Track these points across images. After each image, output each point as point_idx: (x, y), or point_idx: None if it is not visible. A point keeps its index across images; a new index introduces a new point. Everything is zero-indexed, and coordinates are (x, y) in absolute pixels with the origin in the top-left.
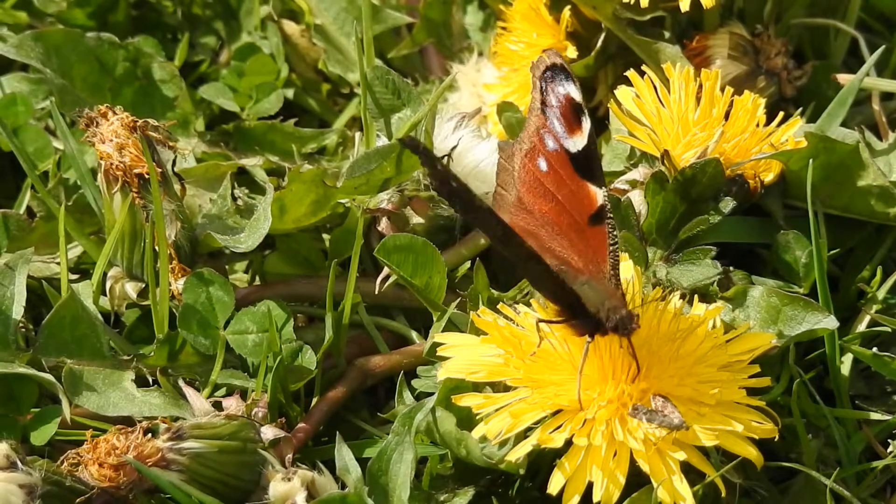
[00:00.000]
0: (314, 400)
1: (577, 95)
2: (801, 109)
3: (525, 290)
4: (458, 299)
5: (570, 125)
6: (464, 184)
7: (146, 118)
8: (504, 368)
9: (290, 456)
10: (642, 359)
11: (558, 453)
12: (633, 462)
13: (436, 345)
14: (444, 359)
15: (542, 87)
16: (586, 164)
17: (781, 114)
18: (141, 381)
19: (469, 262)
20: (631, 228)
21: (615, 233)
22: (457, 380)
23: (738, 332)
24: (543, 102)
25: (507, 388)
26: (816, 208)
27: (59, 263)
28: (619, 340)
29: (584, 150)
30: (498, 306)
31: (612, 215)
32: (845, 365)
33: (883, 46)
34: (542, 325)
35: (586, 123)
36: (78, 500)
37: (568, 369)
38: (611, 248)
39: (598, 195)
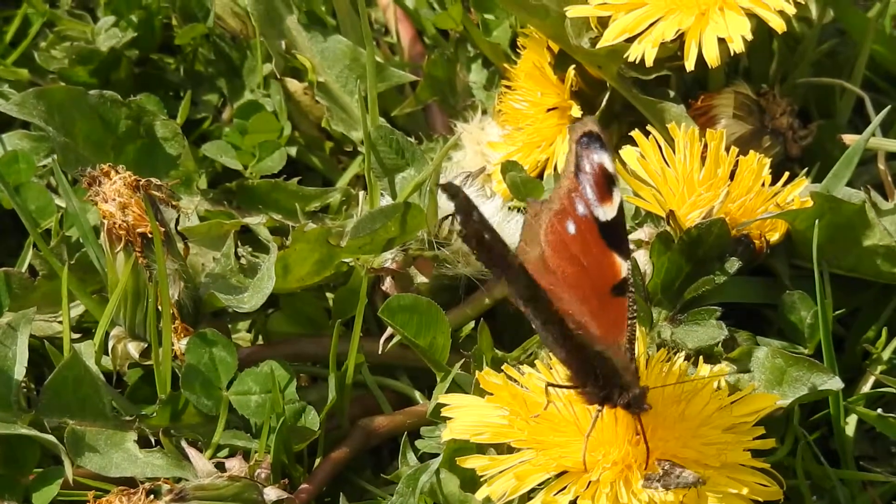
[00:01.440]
0: (317, 460)
1: (609, 166)
2: (806, 169)
3: (529, 350)
4: (463, 360)
5: (601, 194)
6: (499, 237)
7: (149, 177)
8: (508, 430)
9: None
10: (647, 420)
11: None
12: None
13: (440, 405)
14: (448, 419)
15: (577, 152)
16: (614, 235)
17: (787, 173)
18: (143, 442)
19: (473, 322)
20: (636, 289)
21: (635, 306)
22: (461, 441)
23: (743, 394)
24: (578, 167)
25: (511, 450)
26: (822, 268)
27: (61, 322)
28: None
29: (613, 220)
30: (502, 367)
31: (633, 289)
32: (850, 426)
33: (889, 106)
34: (550, 388)
35: (617, 195)
36: None
37: (572, 431)
38: (629, 320)
39: (623, 267)
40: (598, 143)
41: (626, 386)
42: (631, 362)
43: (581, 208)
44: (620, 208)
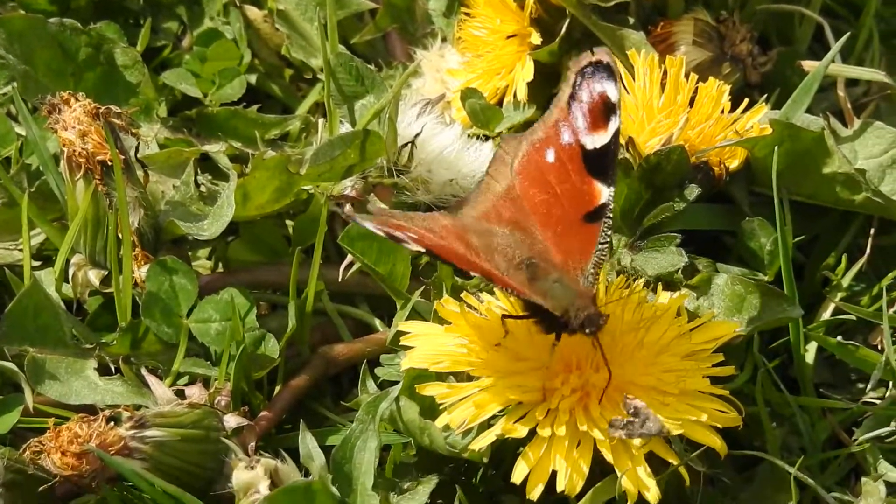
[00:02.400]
0: (277, 388)
1: (613, 95)
2: (766, 96)
3: None
4: (422, 287)
5: (595, 122)
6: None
7: (109, 104)
8: (467, 358)
9: (253, 444)
10: (606, 347)
11: (522, 442)
12: (596, 451)
13: (399, 333)
14: (407, 347)
15: (576, 82)
16: (600, 162)
17: (746, 100)
18: (103, 370)
19: None
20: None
21: (609, 232)
22: (420, 369)
23: (703, 321)
24: (573, 96)
25: (470, 378)
26: (782, 195)
27: (21, 250)
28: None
29: (602, 148)
30: (461, 295)
31: (610, 214)
32: (810, 353)
33: (848, 33)
34: (507, 319)
35: (614, 124)
36: (40, 488)
37: (532, 359)
38: (599, 246)
39: (604, 193)
40: (606, 73)
41: (580, 309)
42: (591, 287)
43: (567, 137)
44: (615, 136)
